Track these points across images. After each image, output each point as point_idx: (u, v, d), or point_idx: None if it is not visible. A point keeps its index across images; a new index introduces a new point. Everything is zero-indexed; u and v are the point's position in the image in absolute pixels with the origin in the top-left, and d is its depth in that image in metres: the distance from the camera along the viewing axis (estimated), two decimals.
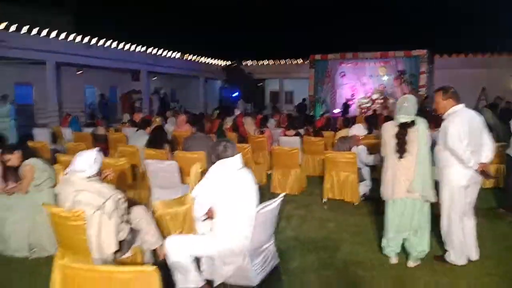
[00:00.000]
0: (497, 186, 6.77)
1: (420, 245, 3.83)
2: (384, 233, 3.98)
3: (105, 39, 18.38)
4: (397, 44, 18.70)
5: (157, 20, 27.63)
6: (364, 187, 6.28)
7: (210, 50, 25.39)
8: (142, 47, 20.68)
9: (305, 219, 5.42)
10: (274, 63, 26.04)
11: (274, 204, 3.11)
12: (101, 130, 9.15)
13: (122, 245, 3.05)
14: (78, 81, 19.41)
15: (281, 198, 3.19)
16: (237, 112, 13.94)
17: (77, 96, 19.17)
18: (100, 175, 3.15)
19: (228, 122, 10.55)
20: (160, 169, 5.21)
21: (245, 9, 31.11)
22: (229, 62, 25.86)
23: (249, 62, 26.18)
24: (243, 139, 8.78)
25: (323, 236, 4.74)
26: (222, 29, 30.07)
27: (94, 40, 17.62)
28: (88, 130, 9.84)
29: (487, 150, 3.84)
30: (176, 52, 23.13)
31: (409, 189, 3.68)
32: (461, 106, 3.83)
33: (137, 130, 8.61)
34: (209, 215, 3.09)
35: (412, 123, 3.70)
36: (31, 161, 4.26)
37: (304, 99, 20.74)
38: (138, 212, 3.40)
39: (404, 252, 3.97)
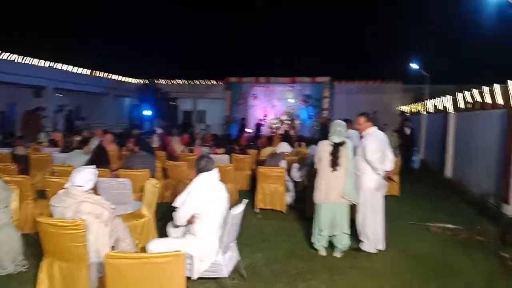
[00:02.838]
0: (391, 194, 8.32)
1: (344, 240, 4.85)
2: (315, 232, 4.93)
3: (6, 52, 17.26)
4: (304, 70, 20.85)
5: (66, 35, 26.46)
6: (289, 197, 7.26)
7: (121, 68, 25.11)
8: (48, 62, 19.75)
9: (244, 226, 6.11)
10: (188, 83, 26.65)
11: (241, 208, 3.84)
12: (21, 150, 8.85)
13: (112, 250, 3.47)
14: None
15: (245, 203, 3.93)
16: (159, 131, 14.24)
17: None
18: (94, 188, 3.55)
19: (155, 141, 10.88)
20: (111, 186, 5.51)
21: (161, 29, 31.38)
22: (141, 80, 25.75)
23: (163, 81, 26.40)
24: (172, 157, 9.24)
25: (263, 239, 5.54)
26: (136, 47, 29.86)
27: None
28: (4, 150, 9.37)
29: (389, 162, 5.07)
30: (85, 68, 22.47)
31: (342, 195, 4.69)
32: (375, 128, 5.02)
33: (64, 150, 8.61)
34: (190, 221, 3.68)
35: (343, 142, 4.74)
36: None
37: (242, 119, 21.26)
38: (117, 223, 3.82)
39: (329, 246, 4.95)
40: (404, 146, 10.92)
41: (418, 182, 9.99)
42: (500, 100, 7.50)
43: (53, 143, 10.60)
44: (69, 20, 27.50)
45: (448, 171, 10.65)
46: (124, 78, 25.72)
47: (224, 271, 3.68)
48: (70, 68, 21.20)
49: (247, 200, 4.10)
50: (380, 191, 5.08)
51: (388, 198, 7.92)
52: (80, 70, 21.90)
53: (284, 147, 7.37)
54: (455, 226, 6.12)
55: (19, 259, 4.30)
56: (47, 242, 3.31)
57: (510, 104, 6.85)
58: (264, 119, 22.18)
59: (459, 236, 5.72)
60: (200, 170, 3.76)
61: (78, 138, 11.49)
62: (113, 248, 3.51)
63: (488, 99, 8.15)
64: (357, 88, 22.72)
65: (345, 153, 4.78)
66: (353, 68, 26.63)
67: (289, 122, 21.54)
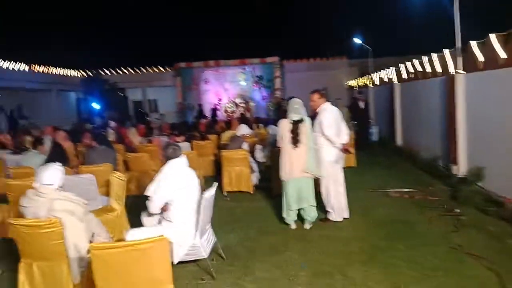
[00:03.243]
0: (350, 166, 8.75)
1: (312, 212, 5.10)
2: (284, 207, 5.14)
3: None
4: (253, 52, 20.91)
5: None
6: (254, 178, 7.45)
7: (63, 61, 23.82)
8: None
9: (214, 210, 6.20)
10: (136, 72, 25.81)
11: (213, 190, 3.94)
12: None
13: None
14: None
15: (216, 185, 4.05)
16: (112, 124, 13.85)
17: None
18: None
19: (110, 134, 10.59)
20: (76, 183, 5.37)
21: (103, 16, 29.93)
22: (85, 73, 24.63)
23: (109, 72, 25.40)
24: (130, 149, 9.08)
25: (235, 220, 5.70)
26: (76, 38, 28.34)
27: None
28: None
29: (345, 134, 5.37)
30: (23, 63, 21.11)
31: (305, 170, 4.91)
32: (329, 104, 5.26)
33: (16, 151, 8.20)
34: (164, 209, 3.73)
35: (302, 120, 4.94)
36: None
37: (199, 105, 20.97)
38: (89, 217, 3.78)
39: (298, 220, 5.20)
40: (360, 119, 11.34)
41: (373, 152, 10.55)
42: (438, 68, 8.04)
43: (0, 145, 9.99)
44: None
45: (399, 140, 11.30)
46: (66, 71, 24.41)
47: (203, 253, 3.79)
48: (4, 64, 19.81)
49: (216, 183, 4.21)
50: (339, 163, 5.37)
51: (346, 170, 8.39)
52: (16, 66, 20.53)
53: (243, 130, 7.50)
54: (410, 190, 6.61)
55: None
56: (23, 244, 3.25)
57: (448, 71, 7.37)
58: (219, 103, 22.15)
59: (415, 198, 6.18)
60: (168, 158, 3.81)
61: (29, 138, 10.97)
62: (90, 243, 3.49)
63: (428, 68, 8.70)
64: (305, 66, 23.13)
65: (304, 130, 4.99)
66: (300, 47, 27.07)
67: (244, 105, 21.67)
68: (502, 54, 5.62)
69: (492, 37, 5.84)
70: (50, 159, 6.40)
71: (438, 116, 7.96)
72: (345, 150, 5.40)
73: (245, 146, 7.20)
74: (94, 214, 4.75)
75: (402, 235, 4.69)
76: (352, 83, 21.79)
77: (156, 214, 3.87)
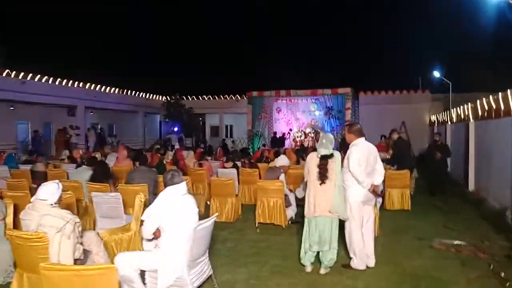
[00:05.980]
0: (403, 208, 7.98)
1: (330, 255, 4.67)
2: (303, 246, 4.78)
3: (39, 74, 18.32)
4: (326, 82, 20.70)
5: (95, 55, 27.86)
6: (291, 212, 7.13)
7: (150, 85, 26.06)
8: (79, 82, 20.79)
9: (239, 241, 6.10)
10: (214, 99, 27.15)
11: (209, 222, 3.81)
12: (40, 167, 9.21)
13: (77, 263, 3.53)
14: (9, 117, 18.71)
15: (215, 217, 3.91)
16: (176, 146, 14.55)
17: (8, 132, 18.44)
18: (60, 202, 3.66)
19: (170, 156, 11.09)
20: (105, 201, 5.65)
21: (186, 47, 32.38)
22: (168, 97, 26.50)
23: (190, 97, 27.07)
24: (182, 172, 9.35)
25: (254, 253, 5.45)
26: (163, 64, 30.95)
27: (27, 75, 17.59)
28: (26, 166, 9.86)
29: (378, 175, 4.88)
30: (115, 87, 23.45)
31: (330, 209, 4.55)
32: (362, 139, 4.87)
33: (77, 166, 8.92)
34: (156, 235, 3.69)
35: (331, 155, 4.62)
36: None
37: (275, 133, 21.28)
38: (89, 236, 3.90)
39: (317, 262, 4.80)
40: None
41: (436, 195, 9.53)
42: None
43: (72, 160, 11.02)
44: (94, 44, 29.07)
45: (472, 184, 10.10)
46: (151, 95, 26.60)
47: (190, 287, 3.63)
48: (99, 87, 22.22)
49: (217, 213, 4.07)
50: (369, 204, 4.88)
51: (398, 212, 7.73)
52: (108, 89, 22.94)
53: (282, 161, 7.28)
54: (460, 242, 5.77)
55: (9, 270, 4.47)
56: (16, 254, 3.44)
57: None
58: (289, 132, 22.13)
59: (462, 253, 5.37)
60: (166, 184, 3.79)
61: (96, 154, 11.95)
62: (77, 260, 3.55)
63: (503, 106, 7.70)
64: (383, 98, 22.15)
65: (333, 166, 4.65)
66: (377, 79, 26.25)
67: (313, 135, 21.31)
68: None
69: None
70: (94, 175, 6.86)
71: (510, 160, 6.95)
72: (374, 192, 4.88)
73: (282, 177, 6.96)
74: (111, 232, 4.95)
75: None
76: (433, 118, 20.28)
77: (149, 239, 3.83)
